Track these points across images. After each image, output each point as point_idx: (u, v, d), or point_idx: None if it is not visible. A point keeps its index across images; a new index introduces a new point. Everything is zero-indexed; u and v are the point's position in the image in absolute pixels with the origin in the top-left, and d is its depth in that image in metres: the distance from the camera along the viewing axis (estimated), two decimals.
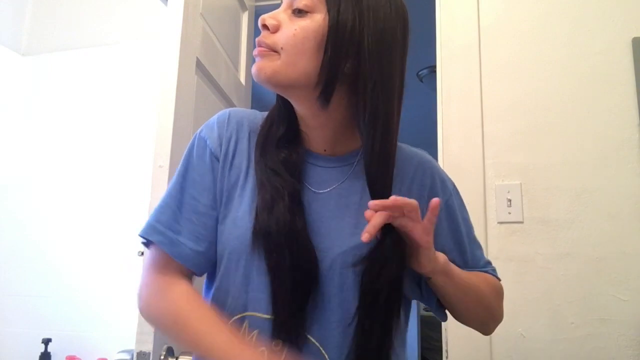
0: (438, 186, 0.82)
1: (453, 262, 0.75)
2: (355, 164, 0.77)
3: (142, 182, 1.83)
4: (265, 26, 0.71)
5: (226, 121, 0.78)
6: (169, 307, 0.70)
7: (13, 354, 2.05)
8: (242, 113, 0.81)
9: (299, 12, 0.70)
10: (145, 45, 2.18)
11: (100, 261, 2.03)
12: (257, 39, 0.72)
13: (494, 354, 1.41)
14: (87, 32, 2.29)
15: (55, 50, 2.31)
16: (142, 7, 2.22)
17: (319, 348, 0.69)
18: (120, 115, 2.15)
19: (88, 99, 2.21)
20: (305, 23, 0.69)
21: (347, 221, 0.73)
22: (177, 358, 1.04)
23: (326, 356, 0.69)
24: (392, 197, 0.63)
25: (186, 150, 0.78)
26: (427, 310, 3.75)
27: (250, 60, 1.85)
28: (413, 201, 0.64)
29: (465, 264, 0.82)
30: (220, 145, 0.76)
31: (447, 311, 0.82)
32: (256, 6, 1.98)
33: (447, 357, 1.45)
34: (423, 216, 0.67)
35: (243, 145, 0.77)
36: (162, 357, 1.05)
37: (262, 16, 0.72)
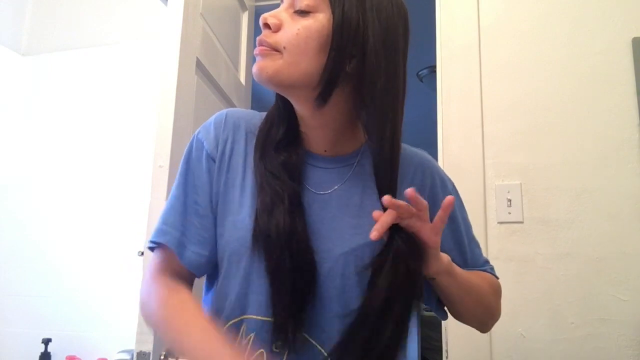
0: (438, 186, 0.82)
1: (453, 261, 0.75)
2: (355, 164, 0.77)
3: (142, 182, 1.83)
4: (266, 25, 0.70)
5: (223, 122, 0.78)
6: (168, 315, 0.70)
7: (13, 354, 2.05)
8: (240, 113, 0.81)
9: (302, 12, 0.69)
10: (145, 45, 2.18)
11: (100, 261, 2.03)
12: (258, 38, 0.71)
13: (494, 354, 1.41)
14: (87, 32, 2.29)
15: (55, 50, 2.31)
16: (142, 7, 2.22)
17: (320, 350, 0.69)
18: (120, 115, 2.15)
19: (88, 99, 2.21)
20: (308, 22, 0.68)
21: (347, 222, 0.73)
22: (177, 358, 1.04)
23: (329, 358, 0.68)
24: (409, 190, 0.63)
25: (185, 151, 0.78)
26: (427, 311, 3.74)
27: (251, 61, 1.86)
28: (423, 201, 0.65)
29: (464, 263, 0.82)
30: (217, 146, 0.76)
31: (446, 309, 0.82)
32: (256, 6, 1.98)
33: (447, 357, 1.45)
34: None
35: (240, 146, 0.77)
36: (162, 357, 1.06)
37: (264, 15, 0.71)
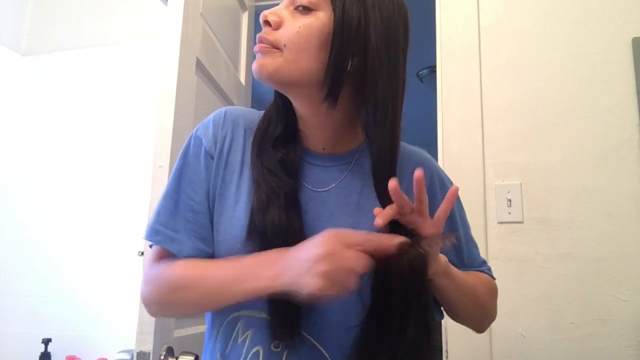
0: (437, 185, 0.82)
1: (450, 261, 0.75)
2: (353, 163, 0.77)
3: (142, 182, 1.83)
4: (267, 22, 0.70)
5: (222, 120, 0.78)
6: (167, 277, 0.71)
7: (13, 354, 2.05)
8: (239, 111, 0.81)
9: (303, 9, 0.69)
10: (145, 45, 2.18)
11: (100, 261, 2.03)
12: (258, 35, 0.71)
13: (494, 354, 1.41)
14: (87, 32, 2.30)
15: (55, 50, 2.32)
16: (142, 7, 2.22)
17: (320, 350, 0.69)
18: (120, 115, 2.15)
19: (88, 99, 2.21)
20: (309, 20, 0.68)
21: (345, 221, 0.73)
22: (177, 358, 1.04)
23: (328, 358, 0.68)
24: (418, 171, 0.62)
25: (182, 149, 0.78)
26: None
27: (251, 61, 1.85)
28: (424, 194, 0.65)
29: (461, 263, 0.82)
30: (215, 143, 0.76)
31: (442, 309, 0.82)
32: (256, 6, 1.98)
33: (447, 357, 1.45)
34: None
35: (238, 143, 0.77)
36: (162, 357, 1.06)
37: (264, 12, 0.71)
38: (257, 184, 0.71)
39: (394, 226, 0.66)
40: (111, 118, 2.16)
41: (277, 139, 0.75)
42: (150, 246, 0.76)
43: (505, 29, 1.60)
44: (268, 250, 0.65)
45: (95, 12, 2.31)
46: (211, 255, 0.73)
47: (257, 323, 0.69)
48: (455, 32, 1.63)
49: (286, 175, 0.71)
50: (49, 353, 1.94)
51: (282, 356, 0.68)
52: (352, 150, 0.78)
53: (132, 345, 1.16)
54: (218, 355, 0.72)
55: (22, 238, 2.15)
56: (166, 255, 0.73)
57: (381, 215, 0.63)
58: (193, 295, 0.69)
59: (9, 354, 2.05)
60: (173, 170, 0.77)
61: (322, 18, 0.68)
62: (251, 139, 0.76)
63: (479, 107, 1.56)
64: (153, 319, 1.14)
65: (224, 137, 0.76)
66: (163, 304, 0.75)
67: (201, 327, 1.32)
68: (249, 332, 0.69)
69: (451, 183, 0.86)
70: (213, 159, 0.75)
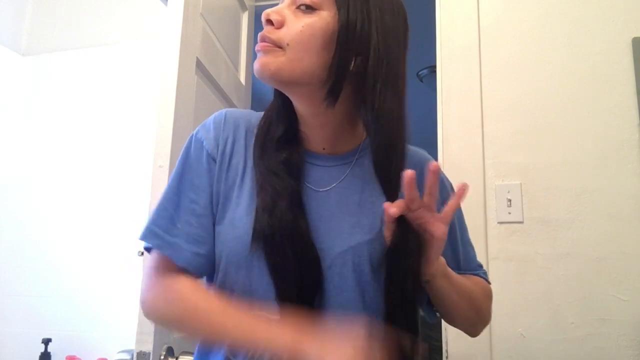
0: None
1: (447, 263, 0.75)
2: (353, 162, 0.77)
3: (142, 182, 1.83)
4: (269, 21, 0.70)
5: (222, 122, 0.77)
6: (176, 298, 0.70)
7: (13, 354, 2.05)
8: (238, 113, 0.80)
9: (305, 9, 0.69)
10: (145, 45, 2.18)
11: (100, 261, 2.03)
12: (260, 34, 0.71)
13: (494, 354, 1.41)
14: (87, 32, 2.29)
15: (55, 50, 2.31)
16: (142, 7, 2.22)
17: None
18: (120, 115, 2.15)
19: (88, 99, 2.21)
20: (312, 20, 0.68)
21: (346, 220, 0.73)
22: (177, 358, 1.04)
23: None
24: (434, 164, 0.64)
25: (182, 151, 0.77)
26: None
27: (251, 61, 1.85)
28: (435, 188, 0.65)
29: (457, 265, 0.82)
30: (217, 146, 0.75)
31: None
32: (256, 6, 1.98)
33: (447, 357, 1.45)
34: None
35: (240, 145, 0.76)
36: (162, 357, 1.06)
37: (266, 11, 0.70)
38: (261, 186, 0.71)
39: (401, 222, 0.66)
40: (111, 118, 2.16)
41: (279, 139, 0.74)
42: (147, 249, 0.74)
43: (505, 29, 1.60)
44: (288, 318, 0.64)
45: (95, 12, 2.31)
46: (209, 261, 0.73)
47: None
48: (455, 32, 1.63)
49: (289, 176, 0.71)
50: (49, 353, 1.94)
51: None
52: (352, 150, 0.78)
53: (132, 345, 1.16)
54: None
55: (22, 238, 2.15)
56: (168, 266, 0.72)
57: (394, 205, 0.63)
58: (199, 328, 0.69)
59: (9, 354, 2.05)
60: (173, 172, 0.76)
61: (325, 17, 0.68)
62: (252, 141, 0.76)
63: (479, 107, 1.56)
64: None
65: (226, 140, 0.76)
66: (166, 320, 0.75)
67: None
68: None
69: (450, 184, 0.87)
70: (215, 162, 0.75)
